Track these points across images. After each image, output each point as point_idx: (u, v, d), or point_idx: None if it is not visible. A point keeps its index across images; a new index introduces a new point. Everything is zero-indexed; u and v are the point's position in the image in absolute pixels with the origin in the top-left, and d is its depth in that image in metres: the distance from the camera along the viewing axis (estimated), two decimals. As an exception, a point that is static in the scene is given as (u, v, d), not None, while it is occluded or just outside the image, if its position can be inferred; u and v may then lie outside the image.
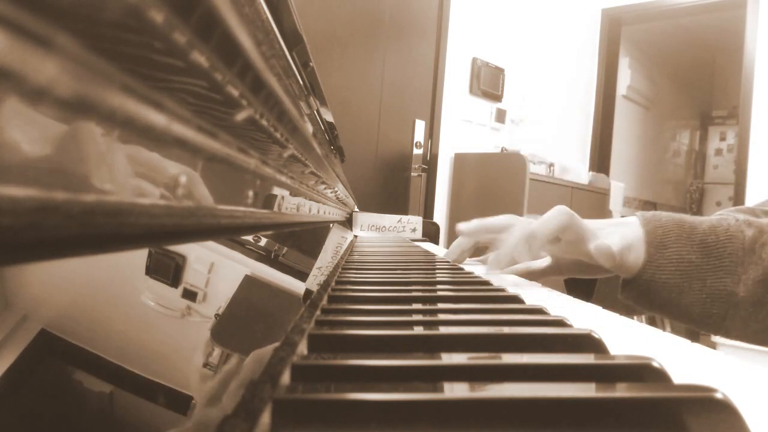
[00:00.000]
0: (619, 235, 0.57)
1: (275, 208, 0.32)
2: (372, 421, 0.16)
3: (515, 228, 0.59)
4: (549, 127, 3.84)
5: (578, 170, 3.44)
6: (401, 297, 0.39)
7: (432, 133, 3.03)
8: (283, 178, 0.32)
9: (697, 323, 0.55)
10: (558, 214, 0.57)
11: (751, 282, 0.51)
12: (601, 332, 0.26)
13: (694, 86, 6.11)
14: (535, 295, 0.48)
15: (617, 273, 0.58)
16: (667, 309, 0.56)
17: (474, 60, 3.24)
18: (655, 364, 0.20)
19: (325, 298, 0.36)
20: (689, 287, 0.54)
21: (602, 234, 0.58)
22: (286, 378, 0.19)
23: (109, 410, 0.14)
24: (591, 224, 0.59)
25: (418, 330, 0.29)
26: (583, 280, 0.71)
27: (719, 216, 0.63)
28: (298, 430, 0.16)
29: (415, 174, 2.85)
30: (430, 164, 3.03)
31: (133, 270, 0.15)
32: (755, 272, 0.51)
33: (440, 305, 0.37)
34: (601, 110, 4.28)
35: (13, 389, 0.11)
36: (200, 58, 0.13)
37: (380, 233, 1.23)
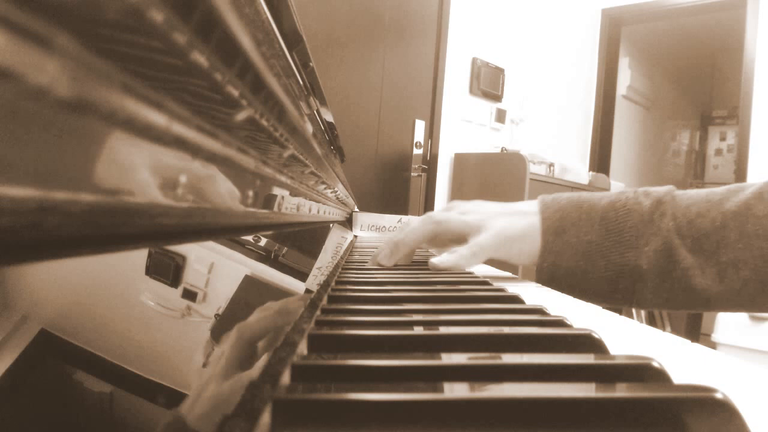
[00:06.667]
0: (499, 227, 0.56)
1: (275, 208, 0.32)
2: (372, 421, 0.16)
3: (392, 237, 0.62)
4: (549, 127, 3.84)
5: (578, 170, 3.44)
6: (401, 297, 0.39)
7: (432, 133, 3.03)
8: (283, 178, 0.32)
9: (609, 300, 0.55)
10: (421, 224, 0.59)
11: (653, 253, 0.51)
12: (601, 332, 0.26)
13: (694, 86, 6.11)
14: (534, 294, 0.48)
15: (512, 263, 0.58)
16: (577, 291, 0.56)
17: (474, 60, 3.24)
18: (655, 364, 0.20)
19: (325, 298, 0.36)
20: (593, 267, 0.54)
21: (485, 226, 0.57)
22: (286, 378, 0.19)
23: (109, 410, 0.14)
24: (477, 215, 0.58)
25: (418, 330, 0.29)
26: None
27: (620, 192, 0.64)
28: (298, 430, 0.16)
29: (415, 174, 2.85)
30: (430, 164, 3.03)
31: (133, 270, 0.15)
32: (655, 243, 0.51)
33: (440, 305, 0.37)
34: (601, 110, 4.28)
35: (13, 389, 0.11)
36: (200, 58, 0.13)
37: (380, 233, 1.23)
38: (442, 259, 0.56)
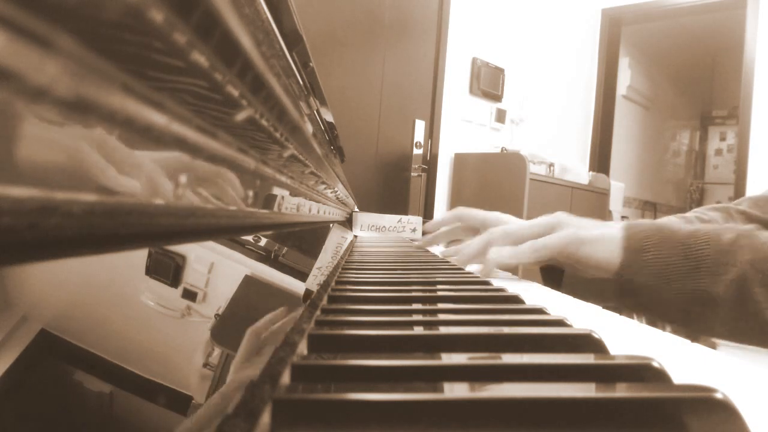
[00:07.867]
0: (585, 230, 0.60)
1: (275, 208, 0.32)
2: (372, 421, 0.16)
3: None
4: (549, 127, 3.84)
5: (578, 170, 3.44)
6: (401, 297, 0.39)
7: (432, 133, 3.03)
8: (283, 178, 0.32)
9: (681, 324, 0.57)
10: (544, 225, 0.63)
11: (729, 282, 0.53)
12: (601, 332, 0.26)
13: (694, 86, 6.11)
14: (534, 294, 0.48)
15: (585, 267, 0.61)
16: (649, 309, 0.59)
17: (474, 60, 3.24)
18: (655, 364, 0.20)
19: (325, 298, 0.36)
20: (668, 288, 0.56)
21: (559, 227, 0.62)
22: (286, 378, 0.19)
23: (109, 410, 0.14)
24: (553, 218, 0.64)
25: (418, 330, 0.29)
26: (555, 270, 0.73)
27: (695, 214, 0.67)
28: (298, 430, 0.16)
29: (415, 174, 2.85)
30: (430, 164, 3.03)
31: (133, 270, 0.15)
32: (732, 273, 0.53)
33: (440, 305, 0.37)
34: (601, 110, 4.28)
35: (13, 389, 0.11)
36: (200, 58, 0.13)
37: (380, 233, 1.23)
38: (502, 252, 0.60)
